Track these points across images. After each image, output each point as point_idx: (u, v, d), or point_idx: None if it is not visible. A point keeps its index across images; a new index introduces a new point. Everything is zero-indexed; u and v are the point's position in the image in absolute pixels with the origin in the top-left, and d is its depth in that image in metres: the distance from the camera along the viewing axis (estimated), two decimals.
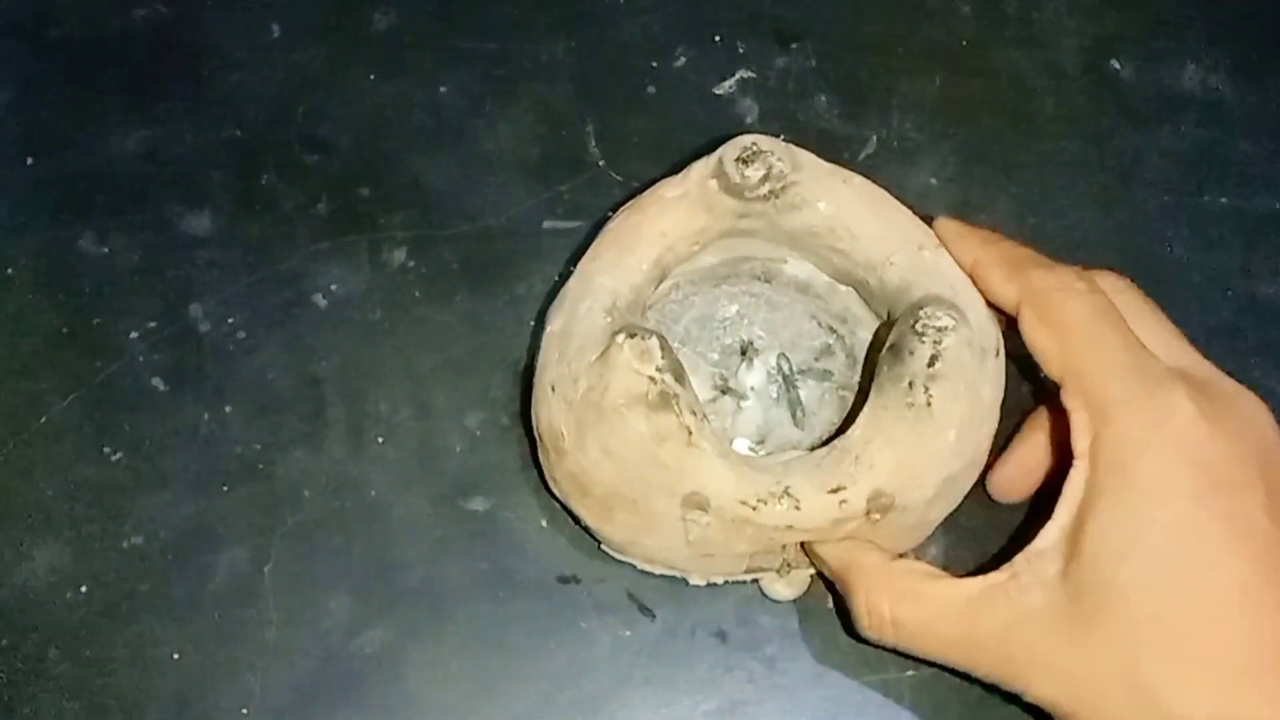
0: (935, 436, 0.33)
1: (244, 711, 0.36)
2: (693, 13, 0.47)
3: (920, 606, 0.32)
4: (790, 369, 0.39)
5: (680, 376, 0.34)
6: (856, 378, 0.39)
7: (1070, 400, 0.31)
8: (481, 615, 0.37)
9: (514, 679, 0.37)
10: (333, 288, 0.42)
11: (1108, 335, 0.32)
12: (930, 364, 0.33)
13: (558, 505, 0.37)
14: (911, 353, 0.33)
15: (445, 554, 0.38)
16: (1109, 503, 0.30)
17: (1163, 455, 0.30)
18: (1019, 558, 0.31)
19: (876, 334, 0.39)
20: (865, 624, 0.33)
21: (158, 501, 0.38)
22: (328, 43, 0.45)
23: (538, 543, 0.38)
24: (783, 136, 0.37)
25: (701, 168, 0.36)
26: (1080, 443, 0.31)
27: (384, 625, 0.37)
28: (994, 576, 0.31)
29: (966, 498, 0.36)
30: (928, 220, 0.37)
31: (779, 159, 0.35)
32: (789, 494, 0.33)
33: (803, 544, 0.35)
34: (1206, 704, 0.28)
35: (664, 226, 0.36)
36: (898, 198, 0.37)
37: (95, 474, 0.39)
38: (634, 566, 0.37)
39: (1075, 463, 0.31)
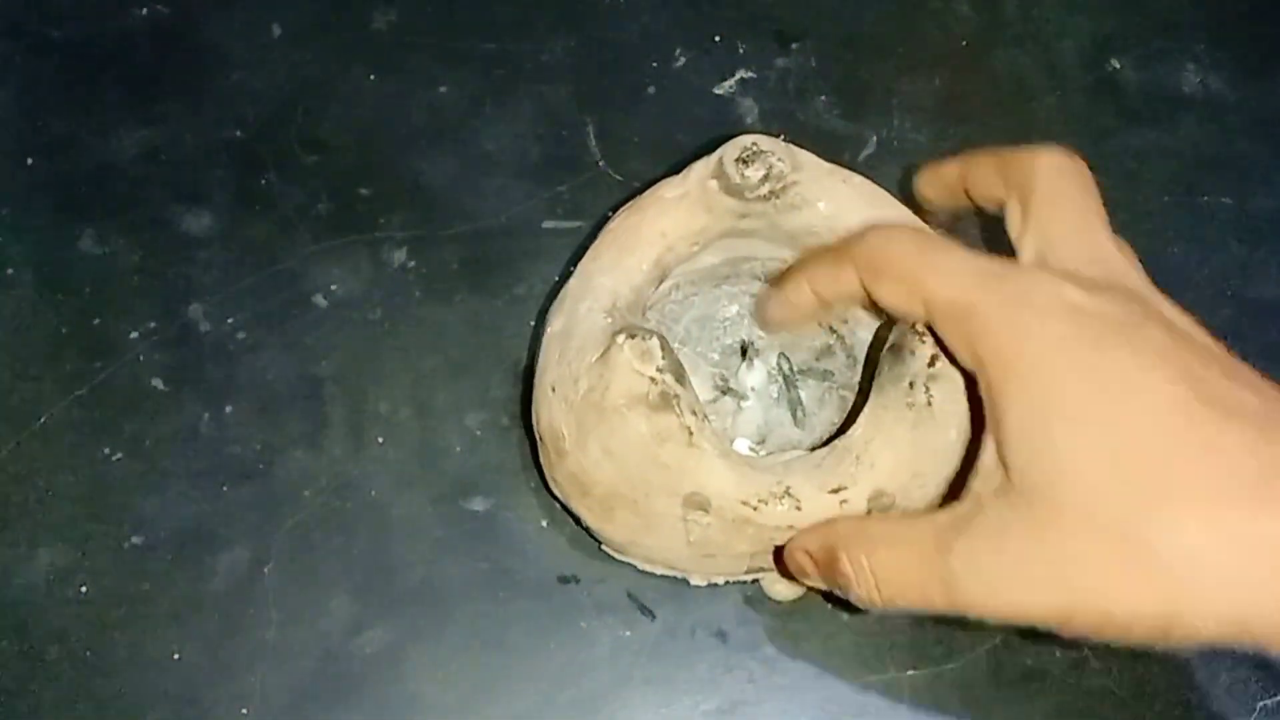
0: (936, 436, 0.33)
1: (244, 711, 0.36)
2: (693, 13, 0.47)
3: (894, 551, 0.31)
4: (790, 369, 0.39)
5: (681, 377, 0.34)
6: (857, 378, 0.39)
7: (941, 328, 0.30)
8: (481, 615, 0.37)
9: (514, 679, 0.37)
10: (333, 288, 0.42)
11: (945, 254, 0.31)
12: (931, 364, 0.33)
13: (558, 505, 0.37)
14: (912, 352, 0.33)
15: (445, 554, 0.38)
16: (1009, 398, 0.28)
17: (1040, 325, 0.28)
18: (972, 481, 0.30)
19: (876, 334, 0.39)
20: (857, 590, 0.31)
21: (158, 501, 0.38)
22: (328, 43, 0.45)
23: (538, 543, 0.38)
24: (783, 136, 0.37)
25: (701, 168, 0.36)
26: (965, 358, 0.30)
27: (384, 625, 0.37)
28: (958, 506, 0.30)
29: None
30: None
31: (779, 159, 0.36)
32: (790, 494, 0.33)
33: (779, 554, 0.34)
34: (1195, 538, 0.26)
35: (664, 226, 0.36)
36: (897, 198, 0.37)
37: (95, 474, 0.39)
38: (634, 567, 0.37)
39: (978, 378, 0.30)
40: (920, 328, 0.33)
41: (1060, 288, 0.29)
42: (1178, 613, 0.26)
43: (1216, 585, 0.25)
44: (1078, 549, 0.27)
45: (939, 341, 0.32)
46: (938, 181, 0.36)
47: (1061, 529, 0.27)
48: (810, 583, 0.34)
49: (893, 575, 0.30)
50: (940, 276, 0.30)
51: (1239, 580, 0.25)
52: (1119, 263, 0.31)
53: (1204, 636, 0.26)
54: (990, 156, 0.34)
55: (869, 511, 0.33)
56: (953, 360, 0.31)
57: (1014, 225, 0.32)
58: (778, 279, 0.35)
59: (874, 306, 0.32)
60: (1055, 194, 0.32)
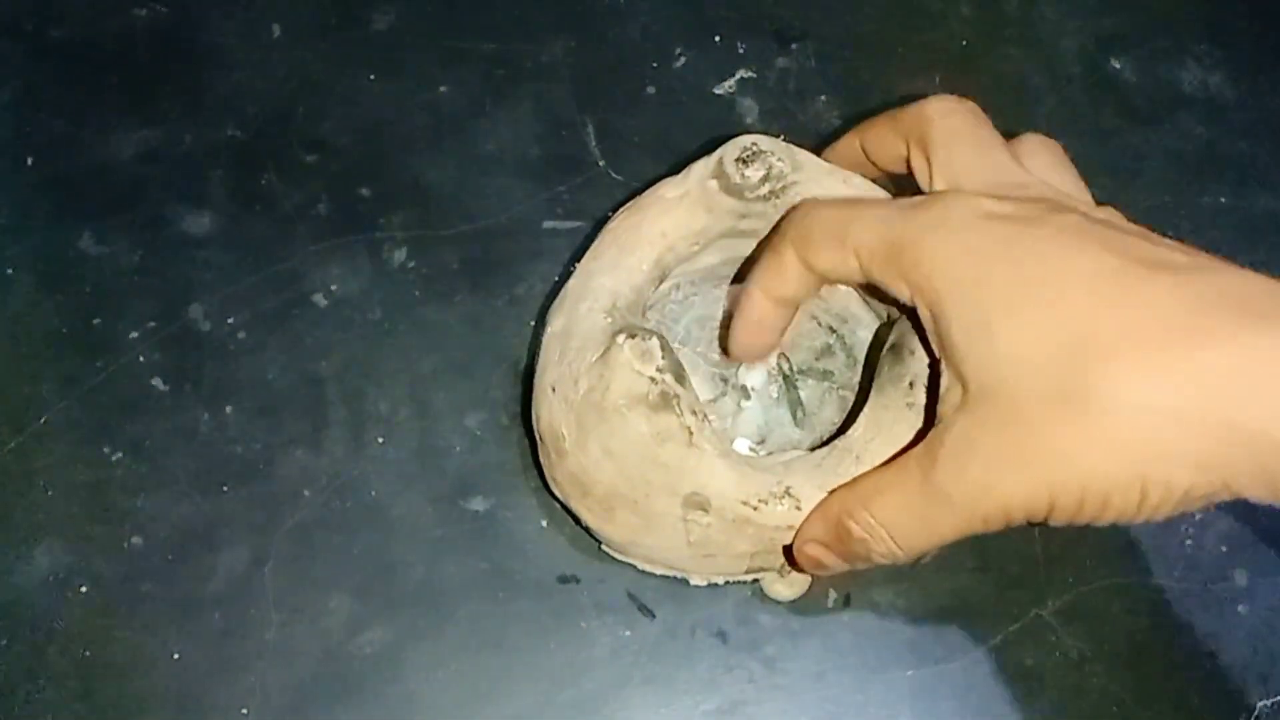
0: None
1: (244, 711, 0.36)
2: (693, 13, 0.47)
3: (890, 496, 0.31)
4: (790, 369, 0.39)
5: (681, 377, 0.34)
6: (857, 378, 0.39)
7: (878, 276, 0.31)
8: (481, 615, 0.37)
9: (514, 679, 0.37)
10: (333, 288, 0.42)
11: (865, 205, 0.32)
12: (931, 364, 0.33)
13: (558, 505, 0.37)
14: (912, 352, 0.33)
15: (445, 554, 0.38)
16: (948, 315, 0.29)
17: (961, 238, 0.29)
18: (938, 409, 0.30)
19: (876, 334, 0.39)
20: (877, 549, 0.32)
21: (158, 501, 0.38)
22: (328, 43, 0.45)
23: (538, 543, 0.38)
24: (783, 136, 0.37)
25: (701, 168, 0.36)
26: (904, 295, 0.30)
27: (384, 625, 0.37)
28: (930, 434, 0.30)
29: None
30: None
31: (779, 159, 0.35)
32: (790, 494, 0.33)
33: (789, 552, 0.34)
34: (1140, 388, 0.26)
35: (664, 226, 0.36)
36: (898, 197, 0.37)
37: (95, 474, 0.39)
38: (634, 567, 0.37)
39: (919, 310, 0.30)
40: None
41: (973, 201, 0.30)
42: (1148, 470, 0.26)
43: (1175, 428, 0.25)
44: (1040, 433, 0.27)
45: (895, 304, 0.32)
46: (840, 159, 0.37)
47: (1021, 418, 0.27)
48: (833, 569, 0.34)
49: (898, 519, 0.31)
50: (862, 224, 0.31)
51: (1194, 417, 0.25)
52: (1024, 175, 0.32)
53: (1182, 488, 0.26)
54: (882, 119, 0.35)
55: None
56: (908, 313, 0.32)
57: (921, 173, 0.34)
58: (733, 315, 0.36)
59: (819, 284, 0.33)
60: (950, 132, 0.33)
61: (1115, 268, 0.27)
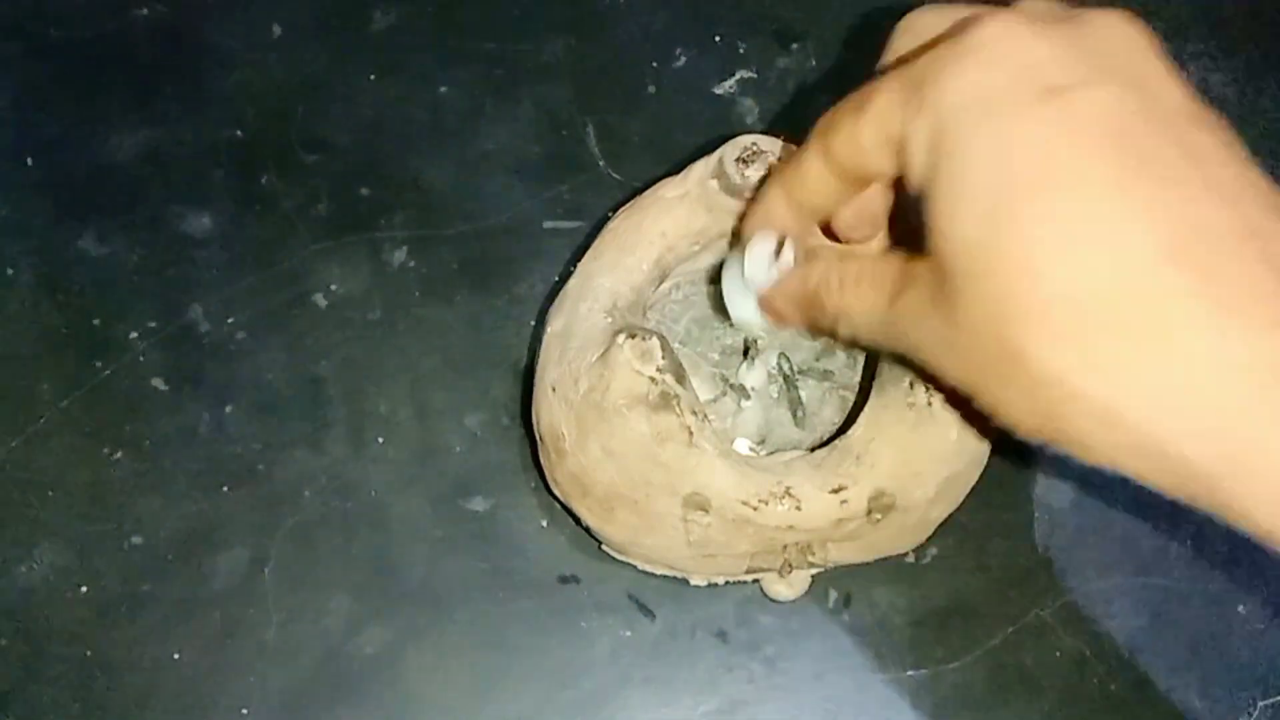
0: (936, 436, 0.33)
1: (244, 711, 0.36)
2: (693, 13, 0.47)
3: (859, 289, 0.29)
4: (791, 369, 0.39)
5: (681, 377, 0.34)
6: (857, 377, 0.39)
7: (898, 123, 0.26)
8: (481, 615, 0.37)
9: (514, 679, 0.37)
10: (333, 288, 0.42)
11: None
12: None
13: (558, 505, 0.37)
14: None
15: (445, 554, 0.38)
16: (940, 152, 0.25)
17: (974, 74, 0.25)
18: (928, 237, 0.27)
19: None
20: (836, 329, 0.30)
21: (158, 501, 0.38)
22: (328, 43, 0.45)
23: (538, 543, 0.38)
24: (783, 136, 0.37)
25: (701, 168, 0.36)
26: (918, 129, 0.26)
27: (384, 625, 0.37)
28: (915, 260, 0.27)
29: (967, 497, 0.36)
30: None
31: (779, 159, 0.35)
32: (790, 494, 0.33)
33: (764, 302, 0.33)
34: (1065, 355, 0.23)
35: (664, 226, 0.36)
36: None
37: (95, 474, 0.39)
38: (634, 567, 0.37)
39: (908, 150, 0.26)
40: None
41: (1004, 36, 0.25)
42: (1058, 436, 0.25)
43: (1092, 419, 0.24)
44: (974, 345, 0.25)
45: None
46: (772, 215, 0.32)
47: (964, 322, 0.25)
48: (791, 325, 0.33)
49: (857, 312, 0.29)
50: (884, 78, 0.27)
51: (1111, 418, 0.23)
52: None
53: (1091, 461, 0.25)
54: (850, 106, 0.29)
55: (869, 513, 0.33)
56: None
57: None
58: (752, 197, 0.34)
59: (837, 186, 0.30)
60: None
61: (1129, 197, 0.23)
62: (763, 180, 0.35)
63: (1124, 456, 0.24)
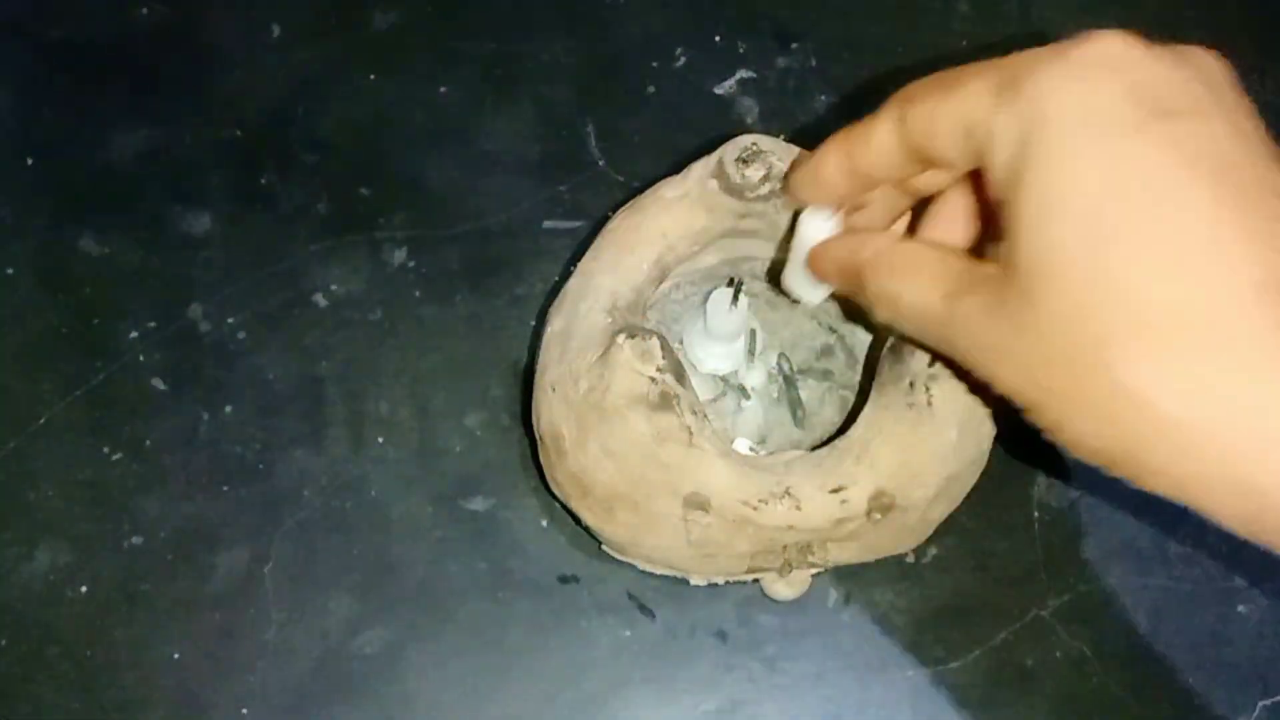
0: (936, 436, 0.33)
1: (244, 711, 0.36)
2: (693, 13, 0.47)
3: (914, 280, 0.28)
4: (791, 369, 0.39)
5: (681, 377, 0.34)
6: (857, 378, 0.39)
7: (988, 115, 0.26)
8: (481, 615, 0.37)
9: (514, 679, 0.37)
10: (333, 288, 0.42)
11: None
12: (931, 363, 0.33)
13: (558, 505, 0.37)
14: (912, 352, 0.33)
15: (445, 554, 0.38)
16: (1034, 155, 0.25)
17: (1083, 85, 0.24)
18: (999, 246, 0.26)
19: (876, 334, 0.39)
20: (878, 311, 0.30)
21: (158, 501, 0.38)
22: (328, 43, 0.45)
23: (538, 543, 0.38)
24: (783, 136, 0.37)
25: (701, 168, 0.36)
26: (1008, 127, 0.25)
27: (384, 625, 0.37)
28: (981, 263, 0.27)
29: (967, 497, 0.36)
30: None
31: (779, 159, 0.35)
32: (790, 494, 0.33)
33: (811, 259, 0.33)
34: (1155, 377, 0.23)
35: (664, 226, 0.36)
36: None
37: (95, 474, 0.39)
38: (634, 567, 0.37)
39: (993, 148, 0.26)
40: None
41: (1120, 51, 0.25)
42: (1125, 458, 0.24)
43: (1170, 443, 0.23)
44: (1047, 357, 0.25)
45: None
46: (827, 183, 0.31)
47: (1039, 333, 0.25)
48: (831, 286, 0.33)
49: (906, 302, 0.29)
50: (976, 69, 0.27)
51: (1192, 445, 0.23)
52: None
53: (1152, 487, 0.24)
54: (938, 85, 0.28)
55: (869, 513, 0.33)
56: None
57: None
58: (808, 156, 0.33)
59: (901, 161, 0.29)
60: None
61: (1233, 226, 0.23)
62: (763, 179, 0.35)
63: (1197, 487, 0.24)
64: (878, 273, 0.29)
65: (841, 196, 0.31)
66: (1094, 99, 0.24)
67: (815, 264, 0.33)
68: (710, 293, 0.37)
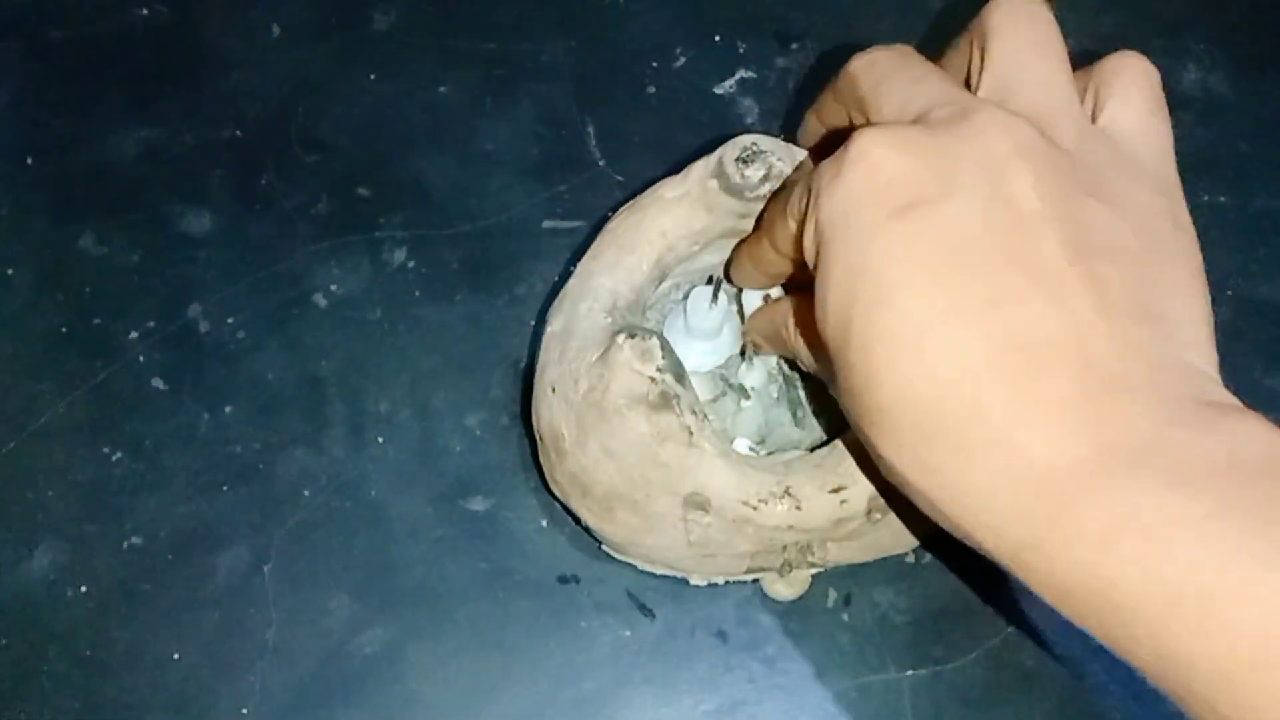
0: None
1: (244, 711, 0.36)
2: (693, 13, 0.47)
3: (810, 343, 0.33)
4: (791, 369, 0.39)
5: (681, 376, 0.34)
6: None
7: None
8: (481, 615, 0.37)
9: (514, 679, 0.37)
10: (333, 288, 0.42)
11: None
12: None
13: (558, 505, 0.37)
14: None
15: (445, 554, 0.38)
16: (819, 256, 0.27)
17: (845, 195, 0.26)
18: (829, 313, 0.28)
19: None
20: (801, 361, 0.34)
21: (158, 501, 0.38)
22: (328, 43, 0.45)
23: (538, 543, 0.38)
24: (783, 136, 0.37)
25: (701, 168, 0.36)
26: (809, 248, 0.28)
27: (384, 625, 0.37)
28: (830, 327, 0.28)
29: None
30: None
31: (779, 159, 0.35)
32: (790, 494, 0.33)
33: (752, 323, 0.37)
34: (902, 456, 0.25)
35: (664, 226, 0.36)
36: None
37: (95, 474, 0.39)
38: (634, 567, 0.37)
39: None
40: None
41: (869, 155, 0.26)
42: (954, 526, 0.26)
43: (927, 504, 0.26)
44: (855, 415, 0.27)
45: None
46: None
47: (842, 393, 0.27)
48: (770, 353, 0.38)
49: (803, 353, 0.33)
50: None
51: (935, 510, 0.26)
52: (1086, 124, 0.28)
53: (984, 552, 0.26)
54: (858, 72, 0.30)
55: (869, 513, 0.33)
56: None
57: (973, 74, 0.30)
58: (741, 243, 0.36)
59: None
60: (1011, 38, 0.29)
61: (1012, 287, 0.24)
62: (763, 179, 0.35)
63: (987, 541, 0.26)
64: (786, 332, 0.34)
65: (765, 285, 0.36)
66: (849, 202, 0.26)
67: (750, 335, 0.37)
68: (690, 291, 0.37)
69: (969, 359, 0.24)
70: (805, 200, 0.28)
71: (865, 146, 0.26)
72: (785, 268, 0.33)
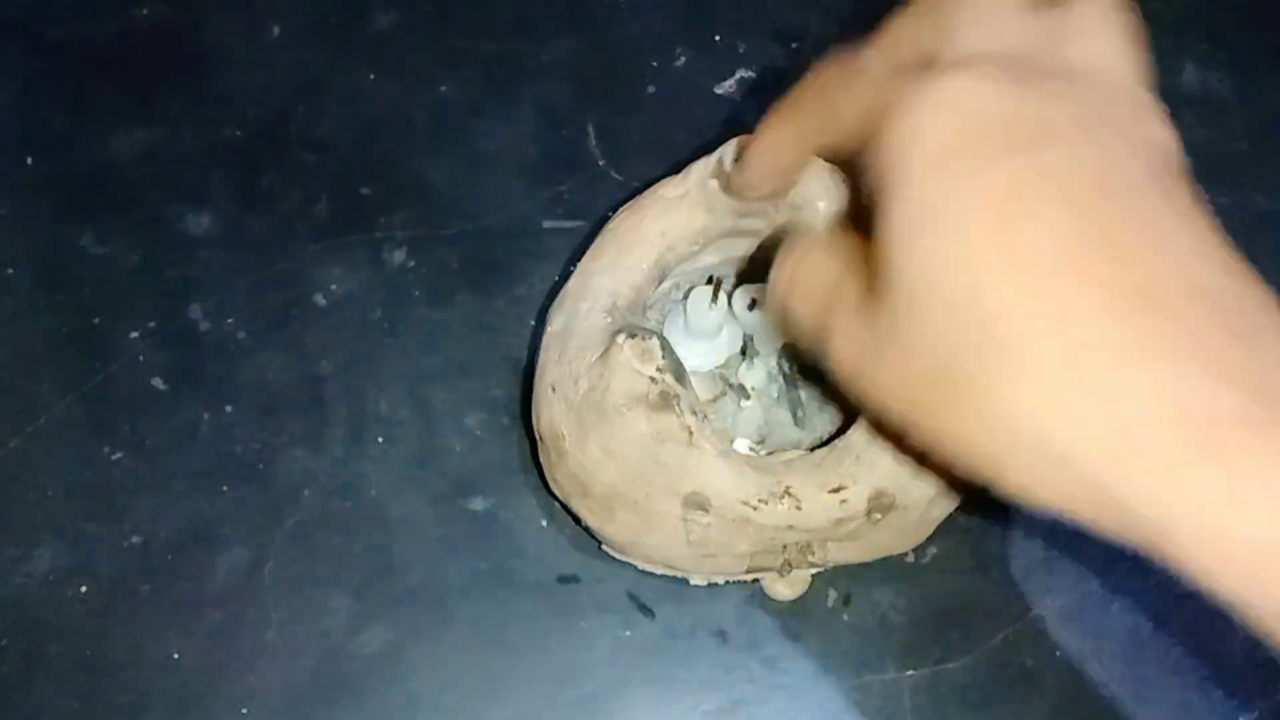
0: None
1: (244, 711, 0.36)
2: (693, 13, 0.47)
3: (810, 286, 0.30)
4: (791, 369, 0.39)
5: (681, 376, 0.34)
6: None
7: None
8: (481, 615, 0.37)
9: (514, 679, 0.37)
10: (333, 288, 0.42)
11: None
12: None
13: (558, 505, 0.37)
14: None
15: (445, 554, 0.38)
16: (902, 181, 0.25)
17: (936, 123, 0.25)
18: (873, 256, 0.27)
19: None
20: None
21: (158, 501, 0.38)
22: (328, 43, 0.45)
23: (538, 543, 0.38)
24: None
25: (701, 168, 0.36)
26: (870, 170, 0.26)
27: (384, 625, 0.37)
28: (851, 282, 0.28)
29: (967, 497, 0.36)
30: None
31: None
32: (790, 494, 0.33)
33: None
34: (1021, 396, 0.24)
35: (664, 226, 0.36)
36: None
37: (95, 474, 0.39)
38: (634, 566, 0.37)
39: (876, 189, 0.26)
40: None
41: (971, 88, 0.25)
42: (990, 469, 0.25)
43: (1026, 453, 0.24)
44: (921, 372, 0.26)
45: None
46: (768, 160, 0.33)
47: (909, 350, 0.26)
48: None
49: (801, 315, 0.30)
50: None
51: (1042, 453, 0.24)
52: (1057, 56, 0.27)
53: (1032, 502, 0.25)
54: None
55: (869, 513, 0.33)
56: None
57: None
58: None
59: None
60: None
61: (1081, 249, 0.24)
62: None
63: (1069, 500, 0.24)
64: (782, 294, 0.31)
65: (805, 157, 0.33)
66: (945, 137, 0.25)
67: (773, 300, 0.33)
68: (690, 290, 0.37)
69: (1100, 302, 0.23)
70: (881, 99, 0.27)
71: (963, 82, 0.25)
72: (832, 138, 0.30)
